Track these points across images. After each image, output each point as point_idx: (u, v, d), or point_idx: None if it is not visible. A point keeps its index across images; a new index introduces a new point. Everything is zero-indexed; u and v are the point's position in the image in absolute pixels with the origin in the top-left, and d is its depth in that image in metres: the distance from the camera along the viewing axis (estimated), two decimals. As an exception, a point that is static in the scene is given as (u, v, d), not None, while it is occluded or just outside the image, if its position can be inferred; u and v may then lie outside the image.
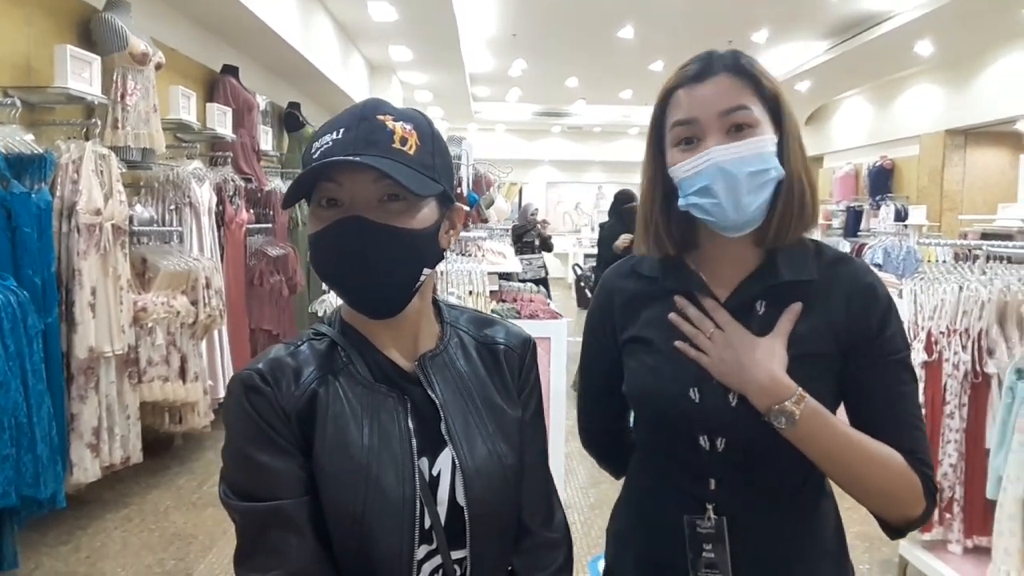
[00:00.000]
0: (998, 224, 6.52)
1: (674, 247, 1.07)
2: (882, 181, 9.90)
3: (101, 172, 3.38)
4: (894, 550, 3.17)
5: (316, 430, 0.89)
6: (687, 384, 1.03)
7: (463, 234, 3.98)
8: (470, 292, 3.06)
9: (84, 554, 3.27)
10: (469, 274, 3.15)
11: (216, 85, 5.46)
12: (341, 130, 0.87)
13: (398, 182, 0.84)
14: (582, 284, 11.15)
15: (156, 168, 4.30)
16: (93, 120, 3.69)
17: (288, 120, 7.15)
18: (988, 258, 2.90)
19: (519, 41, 9.48)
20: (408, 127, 0.89)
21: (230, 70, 5.58)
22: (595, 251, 8.06)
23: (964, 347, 2.74)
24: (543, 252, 7.99)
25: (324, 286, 3.24)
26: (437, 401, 0.94)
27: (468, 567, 0.94)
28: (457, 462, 0.92)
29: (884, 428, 0.99)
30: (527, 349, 1.07)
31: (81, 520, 3.56)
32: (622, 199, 6.21)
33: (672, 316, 1.06)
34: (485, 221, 5.88)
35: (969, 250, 3.13)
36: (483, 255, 3.88)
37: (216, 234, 4.80)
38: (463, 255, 3.48)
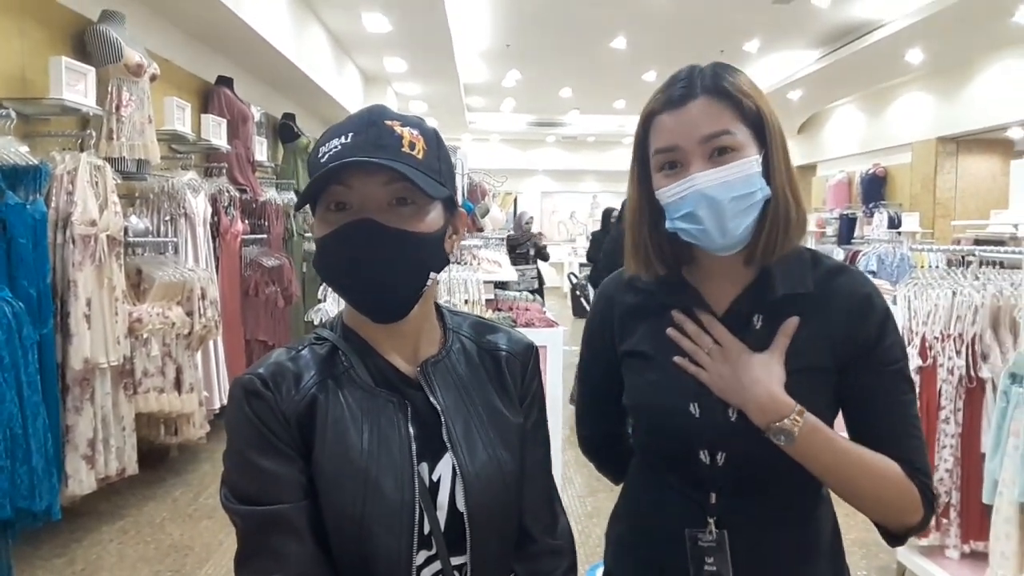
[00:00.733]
0: (991, 230, 6.55)
1: (664, 267, 1.06)
2: (875, 189, 9.95)
3: (96, 183, 3.38)
4: (892, 556, 3.17)
5: (316, 434, 0.89)
6: (687, 399, 1.03)
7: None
8: (466, 301, 3.07)
9: (79, 567, 3.25)
10: (465, 282, 3.15)
11: (211, 96, 5.47)
12: (350, 134, 0.88)
13: (415, 183, 0.85)
14: (577, 293, 11.16)
15: (151, 179, 4.29)
16: (88, 131, 3.69)
17: (283, 131, 7.16)
18: (981, 263, 2.92)
19: (513, 52, 9.52)
20: (415, 132, 0.90)
21: (225, 81, 5.59)
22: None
23: (958, 352, 2.75)
24: (539, 261, 8.02)
25: (320, 295, 3.24)
26: (438, 407, 0.94)
27: (468, 573, 0.93)
28: (457, 467, 0.92)
29: (882, 438, 1.00)
30: (529, 356, 1.06)
31: (76, 533, 3.54)
32: (609, 215, 6.47)
33: (670, 331, 1.06)
34: (480, 230, 5.89)
35: (962, 256, 3.15)
36: (478, 264, 3.89)
37: (211, 245, 4.80)
38: (459, 263, 3.48)
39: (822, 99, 11.14)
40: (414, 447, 0.91)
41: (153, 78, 4.10)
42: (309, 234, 6.25)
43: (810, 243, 8.29)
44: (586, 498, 4.11)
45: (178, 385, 3.97)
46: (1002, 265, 2.91)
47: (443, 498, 0.92)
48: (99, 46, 3.81)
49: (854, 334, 1.01)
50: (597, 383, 1.20)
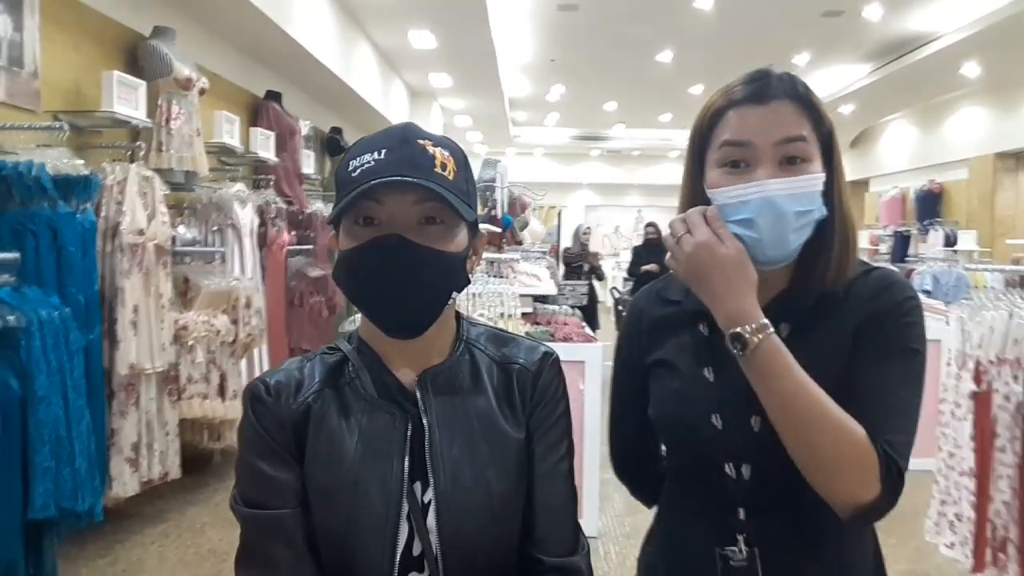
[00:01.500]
0: (1053, 249, 6.30)
1: None
2: (930, 205, 9.69)
3: (145, 193, 3.47)
4: (942, 589, 3.03)
5: (308, 442, 0.91)
6: (709, 410, 1.00)
7: (496, 256, 3.98)
8: (501, 315, 3.05)
9: (121, 567, 3.31)
10: (500, 296, 3.14)
11: (260, 110, 5.60)
12: (383, 151, 0.88)
13: (450, 205, 0.86)
14: (620, 308, 11.07)
15: (200, 190, 4.40)
16: (138, 143, 3.80)
17: (330, 145, 7.29)
18: (1040, 284, 2.80)
19: (557, 66, 9.55)
20: (446, 153, 0.90)
21: (273, 96, 5.72)
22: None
23: (1016, 378, 2.63)
24: (593, 279, 8.01)
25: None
26: (426, 425, 0.92)
27: None
28: (434, 492, 0.90)
29: (858, 399, 0.90)
30: (543, 364, 1.01)
31: (119, 534, 3.61)
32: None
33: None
34: (520, 243, 5.89)
35: (1020, 276, 3.02)
36: (516, 277, 3.88)
37: (257, 255, 4.88)
38: (497, 277, 3.47)
39: (874, 114, 10.90)
40: (406, 463, 0.90)
41: (202, 92, 4.21)
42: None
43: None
44: (625, 518, 4.02)
45: (222, 392, 4.04)
46: (1063, 286, 2.79)
47: (431, 521, 0.90)
48: (150, 61, 3.93)
49: (871, 307, 0.96)
50: (626, 395, 1.18)
